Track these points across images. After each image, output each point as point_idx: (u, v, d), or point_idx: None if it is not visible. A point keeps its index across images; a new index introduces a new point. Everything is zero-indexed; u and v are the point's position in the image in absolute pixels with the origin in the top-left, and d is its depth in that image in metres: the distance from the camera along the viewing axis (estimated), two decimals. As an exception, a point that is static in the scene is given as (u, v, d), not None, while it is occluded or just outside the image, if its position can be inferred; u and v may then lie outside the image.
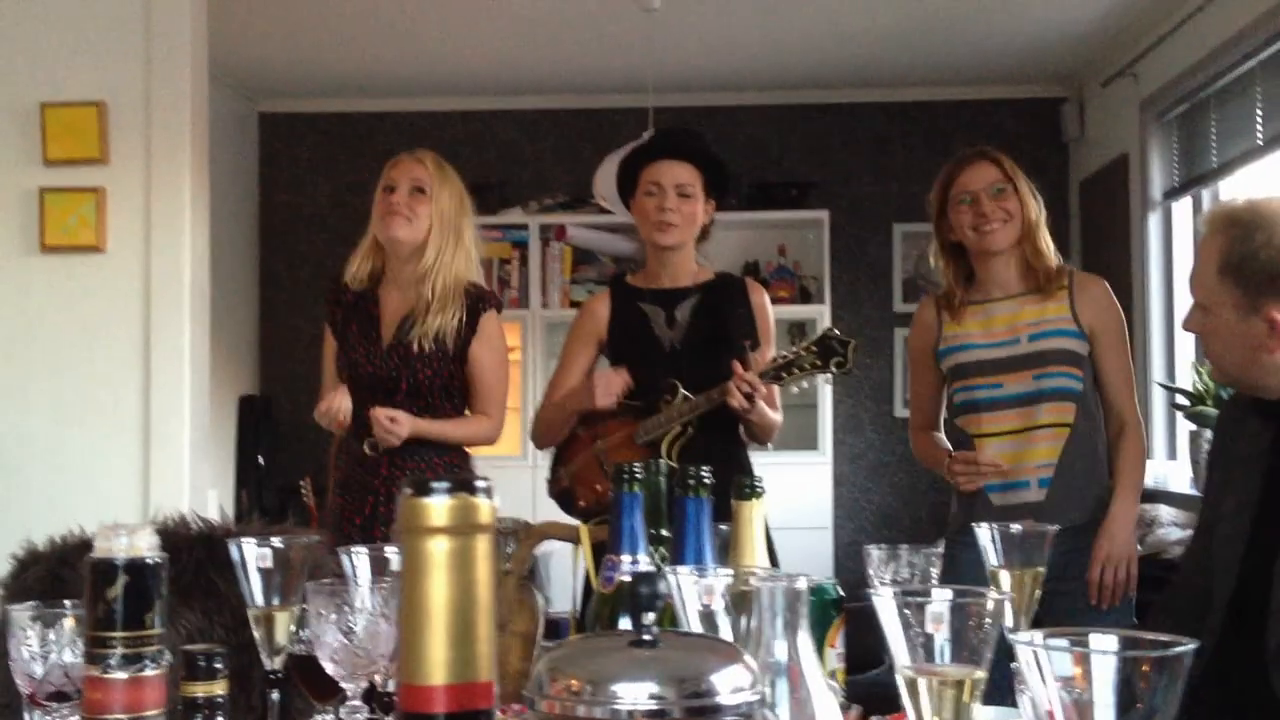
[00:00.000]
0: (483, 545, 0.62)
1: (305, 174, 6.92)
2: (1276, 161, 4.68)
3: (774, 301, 6.20)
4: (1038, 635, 0.82)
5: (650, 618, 0.81)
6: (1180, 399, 4.98)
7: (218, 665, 1.04)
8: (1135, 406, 2.99)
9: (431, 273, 3.14)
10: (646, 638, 0.80)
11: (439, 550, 0.61)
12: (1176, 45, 5.34)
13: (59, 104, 3.79)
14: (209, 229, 3.98)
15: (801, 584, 0.97)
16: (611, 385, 3.10)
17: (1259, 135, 4.73)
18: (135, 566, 0.90)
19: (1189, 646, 0.79)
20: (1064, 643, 0.82)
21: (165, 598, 0.89)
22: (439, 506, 0.62)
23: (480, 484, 0.62)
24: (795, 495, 6.34)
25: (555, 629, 2.08)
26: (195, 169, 3.86)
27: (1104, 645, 0.82)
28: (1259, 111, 4.74)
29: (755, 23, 5.72)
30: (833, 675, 1.60)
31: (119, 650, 0.90)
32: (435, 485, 0.62)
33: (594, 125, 6.78)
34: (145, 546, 0.89)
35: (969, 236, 2.99)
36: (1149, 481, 5.34)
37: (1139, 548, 4.49)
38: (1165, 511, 4.77)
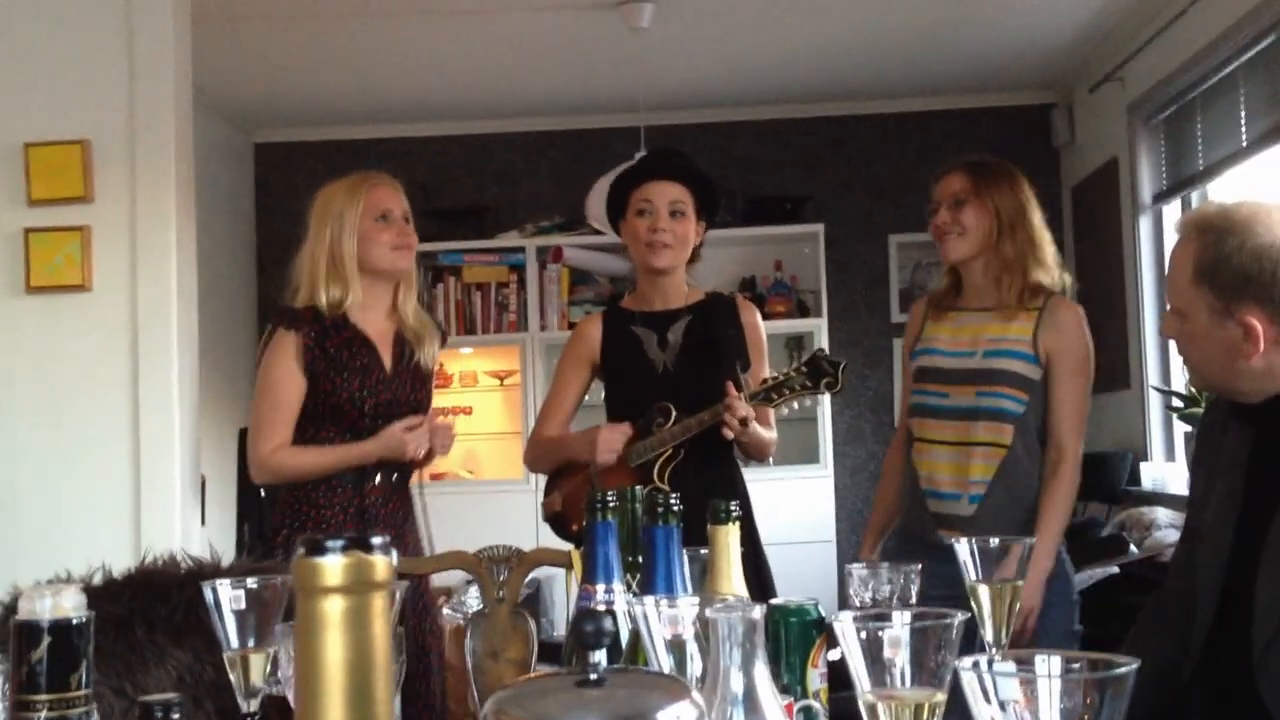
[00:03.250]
0: (379, 603, 0.61)
1: (302, 203, 6.90)
2: (1261, 163, 4.68)
3: (772, 316, 6.35)
4: (982, 660, 0.82)
5: (596, 656, 0.81)
6: (1176, 401, 4.99)
7: (175, 716, 1.04)
8: (1077, 440, 2.95)
9: (409, 298, 3.19)
10: (593, 676, 0.80)
11: (334, 610, 0.60)
12: (1161, 49, 5.35)
13: (42, 143, 3.78)
14: (196, 264, 3.96)
15: (757, 614, 0.97)
16: (613, 443, 3.09)
17: (1243, 136, 4.73)
18: (59, 628, 0.89)
19: (1131, 667, 0.79)
20: (1010, 667, 0.83)
21: (91, 657, 0.89)
22: (333, 565, 0.61)
23: (376, 541, 0.62)
24: (797, 509, 6.36)
25: (555, 653, 2.07)
26: (181, 204, 3.84)
27: (1048, 669, 0.82)
28: (1243, 113, 4.75)
29: (743, 39, 5.74)
30: (816, 695, 1.61)
31: (43, 713, 0.89)
32: (330, 544, 0.61)
33: (587, 146, 6.80)
34: (70, 606, 0.89)
35: (938, 248, 3.06)
36: (1146, 484, 5.37)
37: (1136, 551, 4.51)
38: (1163, 514, 4.78)
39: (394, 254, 3.10)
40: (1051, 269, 2.99)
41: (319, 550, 0.60)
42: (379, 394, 3.06)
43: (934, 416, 3.00)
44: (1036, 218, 2.99)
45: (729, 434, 2.96)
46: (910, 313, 3.25)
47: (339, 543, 0.60)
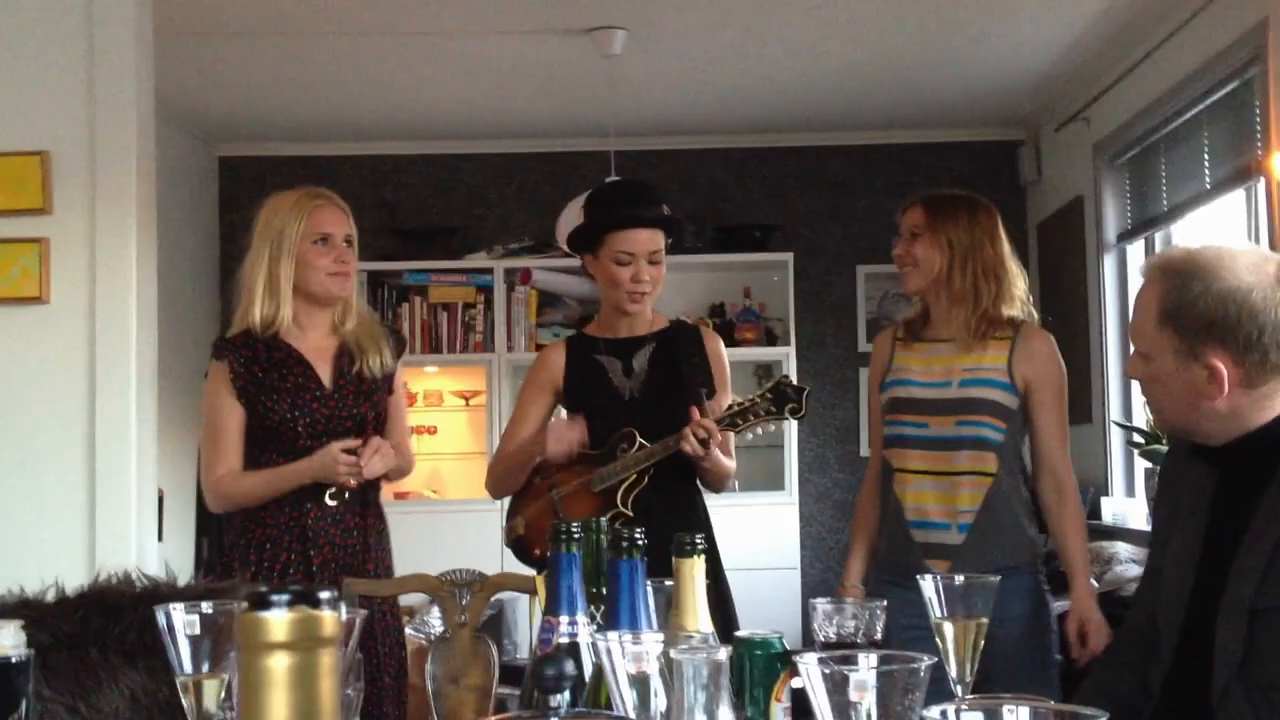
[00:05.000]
0: (326, 660, 0.58)
1: (266, 219, 6.87)
2: (1224, 205, 4.72)
3: (740, 344, 6.36)
4: (950, 709, 0.81)
5: (557, 700, 0.79)
6: (1137, 437, 5.01)
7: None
8: (1068, 463, 3.00)
9: (352, 313, 3.16)
10: None
11: (279, 667, 0.57)
12: (1127, 90, 5.40)
13: (1, 154, 3.72)
14: (157, 278, 3.92)
15: (722, 656, 0.95)
16: (564, 435, 3.10)
17: (1207, 179, 4.77)
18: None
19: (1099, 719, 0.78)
20: (978, 717, 0.82)
21: (30, 695, 0.86)
22: (279, 620, 0.58)
23: (324, 595, 0.59)
24: (762, 536, 6.35)
25: (517, 676, 2.06)
26: (142, 218, 3.79)
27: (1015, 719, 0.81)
28: (1206, 155, 4.79)
29: (715, 68, 5.75)
30: (778, 731, 1.59)
31: (-19, 752, 0.86)
32: (275, 598, 0.58)
33: (557, 169, 6.79)
34: (9, 645, 0.87)
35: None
36: (1107, 518, 5.39)
37: (1095, 584, 4.52)
38: (1123, 548, 4.79)
39: (329, 280, 3.07)
40: (1015, 301, 3.00)
41: (263, 604, 0.58)
42: (314, 412, 3.04)
43: (913, 447, 3.00)
44: (996, 250, 2.99)
45: (687, 448, 2.96)
46: (875, 345, 3.24)
47: (284, 596, 0.58)
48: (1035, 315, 3.08)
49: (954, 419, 2.94)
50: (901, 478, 3.01)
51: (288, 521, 3.01)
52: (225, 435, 3.04)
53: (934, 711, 0.81)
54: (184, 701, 1.39)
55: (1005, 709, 0.82)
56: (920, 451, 2.99)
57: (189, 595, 2.08)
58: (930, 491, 2.96)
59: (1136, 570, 4.50)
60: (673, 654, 0.95)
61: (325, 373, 3.09)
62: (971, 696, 1.56)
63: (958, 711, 0.82)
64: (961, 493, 2.92)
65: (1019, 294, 3.02)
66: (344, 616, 1.48)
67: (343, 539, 3.04)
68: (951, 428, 2.94)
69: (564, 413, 3.33)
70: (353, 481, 2.98)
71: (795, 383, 3.03)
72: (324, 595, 0.58)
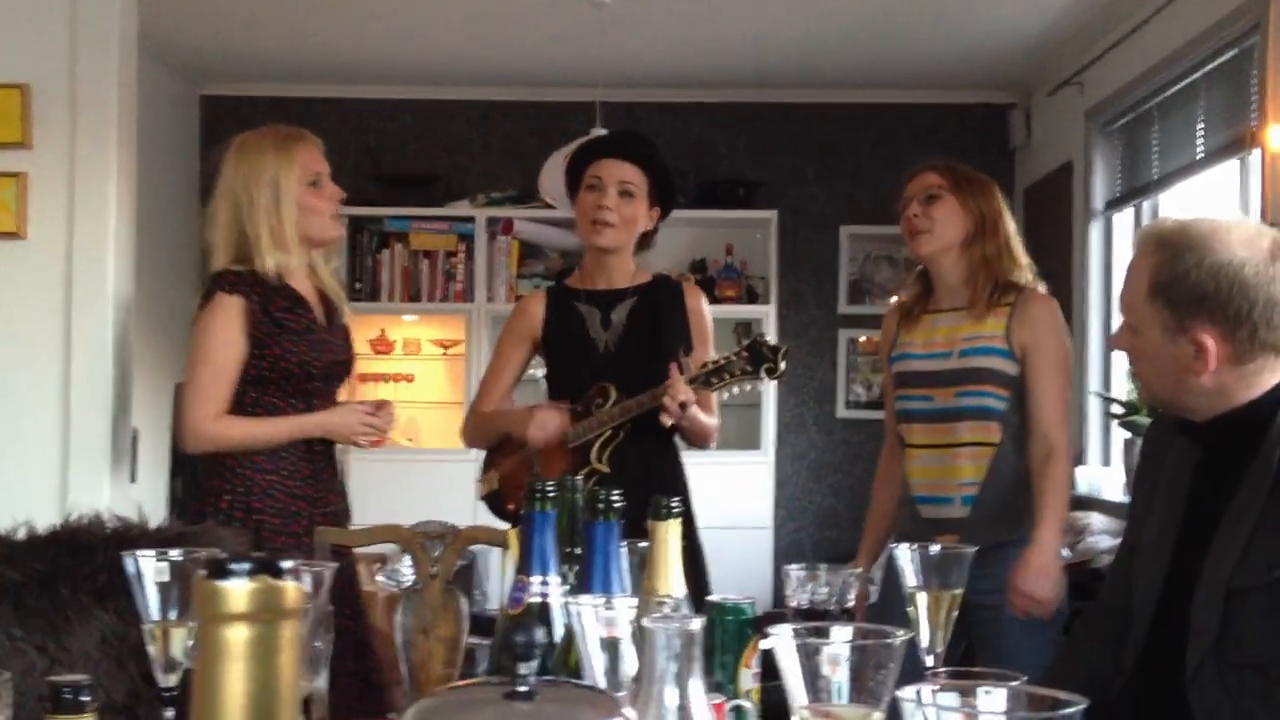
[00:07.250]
0: (287, 632, 0.55)
1: (248, 159, 6.81)
2: (1216, 175, 4.70)
3: (720, 301, 6.34)
4: (926, 693, 0.80)
5: (527, 667, 0.78)
6: (1115, 407, 5.02)
7: (84, 698, 0.99)
8: (1064, 432, 2.89)
9: (335, 255, 3.18)
10: (522, 689, 0.77)
11: (238, 638, 0.55)
12: (1122, 57, 5.36)
13: (-21, 86, 3.66)
14: (136, 216, 3.87)
15: (695, 626, 0.94)
16: (548, 423, 3.06)
17: (1199, 149, 4.75)
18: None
19: (1079, 707, 0.77)
20: (954, 700, 0.80)
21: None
22: (239, 590, 0.55)
23: (285, 564, 0.57)
24: (737, 494, 6.37)
25: (487, 626, 2.05)
26: (122, 155, 3.74)
27: (992, 705, 0.80)
28: (1200, 125, 4.76)
29: (706, 21, 5.70)
30: (748, 695, 1.59)
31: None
32: (235, 566, 0.56)
33: (542, 119, 6.73)
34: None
35: (907, 244, 3.03)
36: (1082, 488, 5.40)
37: (1069, 554, 4.53)
38: (1097, 519, 4.81)
39: (331, 223, 3.06)
40: (1025, 270, 2.99)
41: (222, 573, 0.55)
42: (323, 355, 2.99)
43: (918, 421, 2.98)
44: (1011, 224, 3.00)
45: (666, 420, 2.94)
46: (884, 319, 3.23)
47: (245, 565, 0.55)
48: (1041, 285, 3.03)
49: (955, 390, 2.92)
50: (909, 453, 3.00)
51: (291, 467, 2.96)
52: (222, 374, 2.93)
53: (909, 691, 0.79)
54: (150, 649, 1.38)
55: (981, 691, 0.80)
56: (924, 425, 2.97)
57: (162, 537, 2.08)
58: (933, 466, 2.95)
59: (1109, 541, 4.51)
60: (645, 623, 0.94)
61: (319, 316, 3.05)
62: (946, 669, 1.56)
63: (933, 691, 0.80)
64: (963, 464, 2.90)
65: (1026, 263, 3.00)
66: (315, 569, 1.47)
67: (333, 481, 3.04)
68: (953, 399, 2.92)
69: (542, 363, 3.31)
70: (366, 443, 2.96)
71: (772, 341, 3.00)
72: (285, 565, 0.56)
